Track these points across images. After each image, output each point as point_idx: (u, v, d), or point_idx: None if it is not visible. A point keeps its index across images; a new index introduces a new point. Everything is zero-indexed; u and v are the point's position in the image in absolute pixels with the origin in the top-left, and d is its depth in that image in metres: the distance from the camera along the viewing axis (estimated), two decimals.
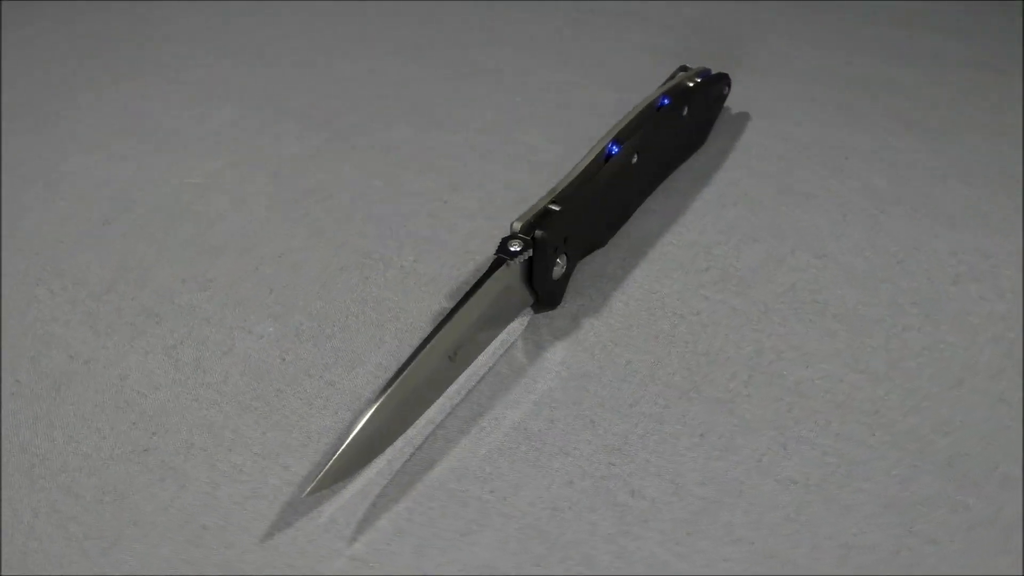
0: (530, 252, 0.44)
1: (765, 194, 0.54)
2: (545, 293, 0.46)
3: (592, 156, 0.48)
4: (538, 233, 0.44)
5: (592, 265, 0.50)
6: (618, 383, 0.44)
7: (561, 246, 0.46)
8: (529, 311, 0.47)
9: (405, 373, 0.39)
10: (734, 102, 0.61)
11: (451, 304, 0.43)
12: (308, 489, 0.37)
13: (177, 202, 0.57)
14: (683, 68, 0.57)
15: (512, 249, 0.43)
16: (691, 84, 0.54)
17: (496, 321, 0.45)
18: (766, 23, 0.73)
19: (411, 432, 0.42)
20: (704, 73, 0.56)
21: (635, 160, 0.49)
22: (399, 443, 0.41)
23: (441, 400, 0.43)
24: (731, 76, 0.58)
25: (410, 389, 0.40)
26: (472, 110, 0.64)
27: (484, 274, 0.43)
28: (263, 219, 0.55)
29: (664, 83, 0.55)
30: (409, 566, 0.37)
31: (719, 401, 0.43)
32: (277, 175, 0.59)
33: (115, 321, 0.48)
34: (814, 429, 0.41)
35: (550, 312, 0.48)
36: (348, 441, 0.38)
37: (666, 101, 0.53)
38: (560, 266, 0.46)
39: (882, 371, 0.44)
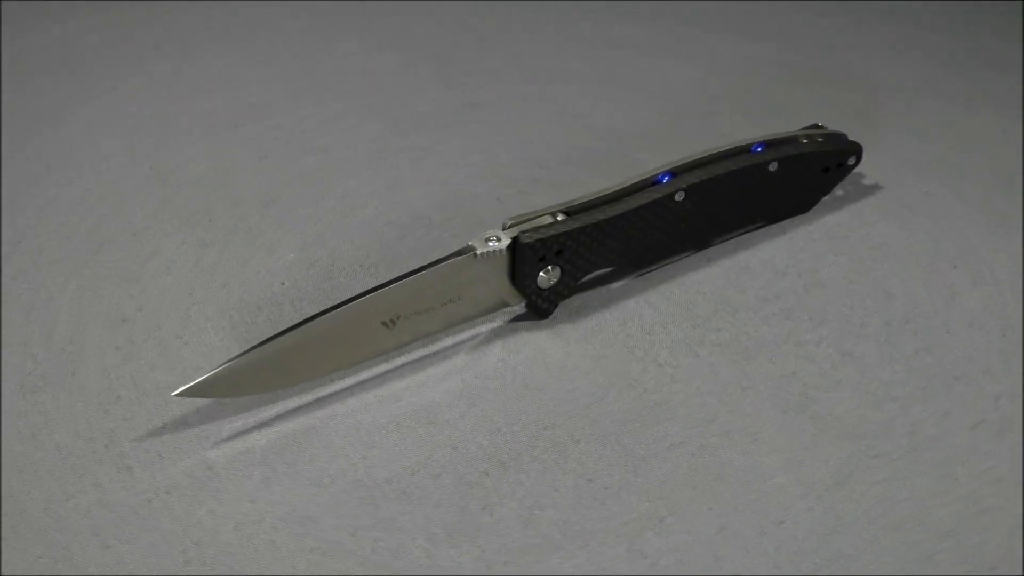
0: (500, 250, 0.43)
1: (833, 277, 0.49)
2: (532, 299, 0.46)
3: (633, 181, 0.47)
4: (521, 236, 0.44)
5: (613, 290, 0.48)
6: (549, 404, 0.43)
7: (552, 256, 0.45)
8: (526, 312, 0.47)
9: (313, 321, 0.41)
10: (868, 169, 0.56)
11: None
12: (180, 390, 0.40)
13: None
14: (816, 126, 0.52)
15: (487, 241, 0.44)
16: (802, 142, 0.50)
17: (464, 310, 0.45)
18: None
19: (333, 383, 0.44)
20: (835, 137, 0.52)
21: (681, 198, 0.47)
22: (315, 389, 0.44)
23: (381, 365, 0.45)
24: (863, 146, 0.53)
25: (318, 337, 0.41)
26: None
27: (443, 257, 0.43)
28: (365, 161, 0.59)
29: (778, 134, 0.51)
30: (245, 490, 0.39)
31: (632, 456, 0.41)
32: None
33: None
34: (697, 516, 0.38)
35: (542, 319, 0.47)
36: (230, 361, 0.40)
37: (758, 149, 0.49)
38: (548, 276, 0.45)
39: (820, 488, 0.39)
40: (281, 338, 0.41)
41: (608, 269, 0.48)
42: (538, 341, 0.46)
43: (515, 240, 0.44)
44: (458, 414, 0.43)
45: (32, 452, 0.41)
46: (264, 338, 0.41)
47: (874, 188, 0.55)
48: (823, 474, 0.39)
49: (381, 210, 0.55)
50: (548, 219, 0.45)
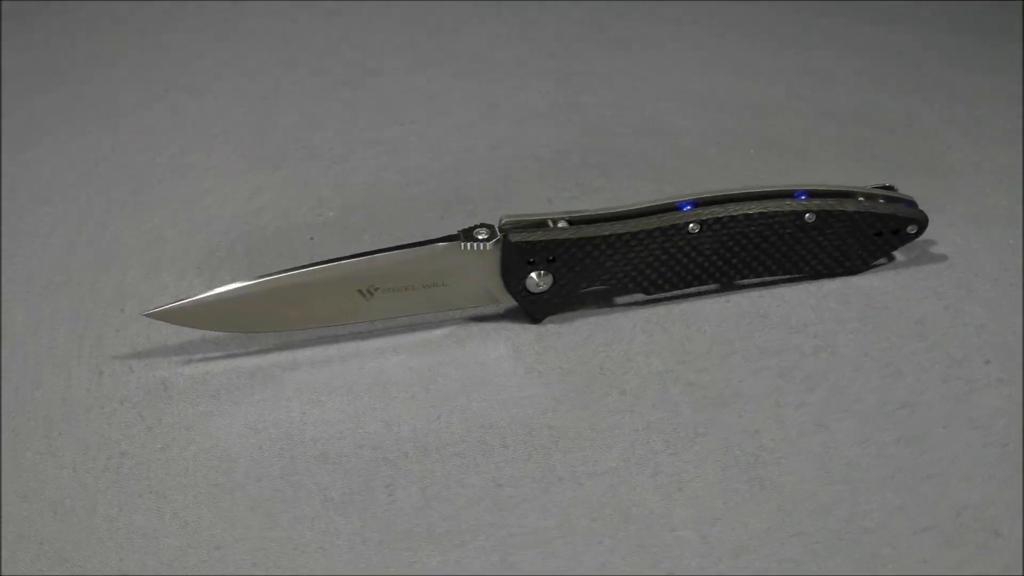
0: (485, 243, 0.44)
1: (848, 346, 0.45)
2: (521, 301, 0.46)
3: (651, 203, 0.45)
4: (510, 234, 0.44)
5: (616, 308, 0.47)
6: (497, 405, 0.43)
7: (543, 262, 0.44)
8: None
9: (288, 273, 0.43)
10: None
11: None
12: (150, 311, 0.43)
13: None
14: (887, 187, 0.49)
15: (476, 234, 0.44)
16: (856, 199, 0.47)
17: (452, 297, 0.46)
18: None
19: (314, 337, 0.46)
20: (899, 202, 0.48)
21: (696, 230, 0.45)
22: (294, 339, 0.46)
23: (360, 329, 0.46)
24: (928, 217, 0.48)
25: (288, 290, 0.43)
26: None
27: (428, 240, 0.44)
28: None
29: (835, 186, 0.48)
30: (186, 416, 0.42)
31: (551, 473, 0.40)
32: None
33: None
34: (585, 548, 0.37)
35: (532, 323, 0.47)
36: (204, 295, 0.43)
37: (801, 196, 0.46)
38: (539, 281, 0.45)
39: (721, 552, 0.37)
40: (252, 284, 0.43)
41: (608, 286, 0.47)
42: (517, 341, 0.46)
43: (504, 238, 0.44)
44: (408, 394, 0.43)
45: (29, 343, 0.46)
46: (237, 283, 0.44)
47: (939, 259, 0.50)
48: (732, 539, 0.37)
49: (431, 189, 0.56)
50: (548, 223, 0.45)
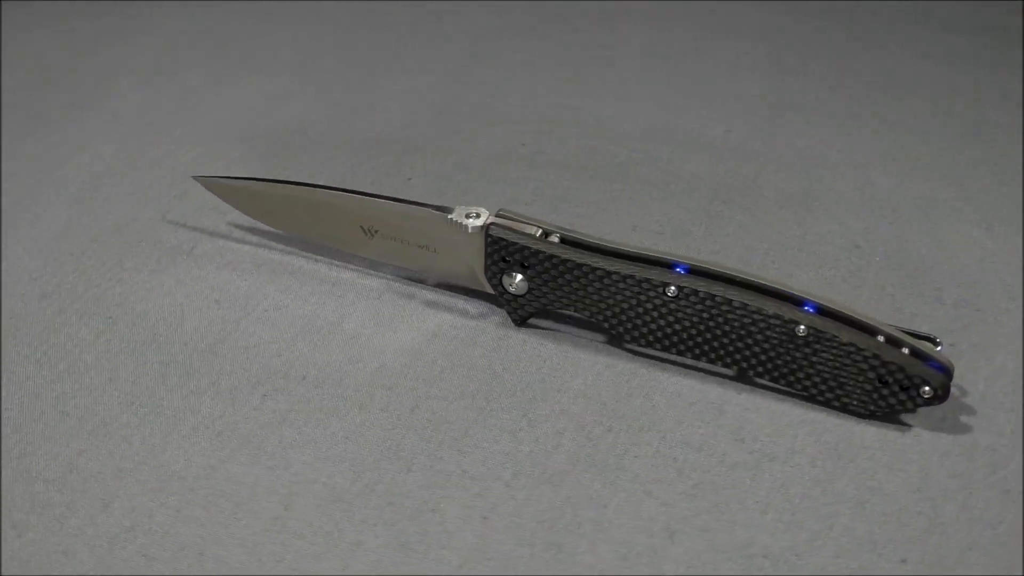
0: (469, 228, 0.45)
1: (769, 484, 0.40)
2: (500, 297, 0.46)
3: (646, 251, 0.43)
4: (491, 228, 0.44)
5: (597, 345, 0.46)
6: (423, 386, 0.44)
7: (516, 265, 0.45)
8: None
9: (299, 186, 0.48)
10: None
11: None
12: (198, 175, 0.51)
13: None
14: (930, 338, 0.42)
15: (468, 215, 0.45)
16: (861, 332, 0.41)
17: (442, 265, 0.48)
18: None
19: (344, 263, 0.51)
20: (921, 357, 0.40)
21: (672, 294, 0.42)
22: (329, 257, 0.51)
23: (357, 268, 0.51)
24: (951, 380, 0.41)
25: (306, 201, 0.48)
26: None
27: (425, 203, 0.46)
28: None
29: (868, 319, 0.42)
30: (181, 277, 0.50)
31: (402, 462, 0.41)
32: None
33: None
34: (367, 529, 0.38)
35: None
36: (238, 178, 0.50)
37: (807, 306, 0.41)
38: (515, 284, 0.45)
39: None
40: (271, 183, 0.49)
41: (584, 316, 0.45)
42: (487, 335, 0.47)
43: (487, 227, 0.45)
44: (342, 336, 0.47)
45: (91, 226, 0.55)
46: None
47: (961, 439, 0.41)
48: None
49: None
50: (536, 232, 0.45)
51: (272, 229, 0.52)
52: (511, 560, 0.37)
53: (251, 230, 0.53)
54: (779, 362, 0.43)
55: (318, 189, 0.48)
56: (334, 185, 0.48)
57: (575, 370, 0.45)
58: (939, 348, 0.42)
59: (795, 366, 0.43)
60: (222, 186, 0.51)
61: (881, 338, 0.41)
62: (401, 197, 0.47)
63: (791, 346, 0.42)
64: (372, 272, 0.50)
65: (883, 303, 0.48)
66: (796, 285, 0.47)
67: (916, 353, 0.41)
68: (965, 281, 0.50)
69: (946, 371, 0.41)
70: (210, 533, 0.38)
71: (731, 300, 0.42)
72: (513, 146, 0.60)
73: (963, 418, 0.43)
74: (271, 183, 0.49)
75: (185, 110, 0.65)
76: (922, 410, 0.43)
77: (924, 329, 0.46)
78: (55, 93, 0.68)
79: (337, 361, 0.45)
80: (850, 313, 0.42)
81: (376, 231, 0.48)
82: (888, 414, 0.43)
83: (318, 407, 0.43)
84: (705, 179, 0.57)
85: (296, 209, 0.49)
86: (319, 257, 0.51)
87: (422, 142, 0.61)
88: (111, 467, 0.40)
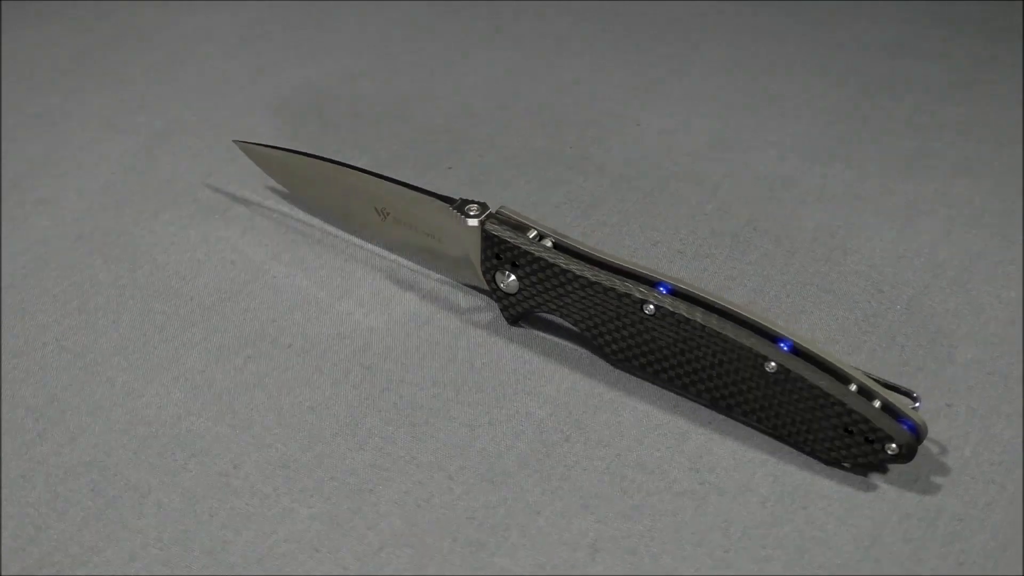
0: (468, 221, 0.45)
1: (712, 517, 0.39)
2: (494, 293, 0.47)
3: (634, 266, 0.43)
4: (488, 221, 0.45)
5: (574, 353, 0.46)
6: (402, 371, 0.45)
7: (507, 264, 0.45)
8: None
9: (321, 160, 0.50)
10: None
11: None
12: (239, 140, 0.54)
13: None
14: (908, 392, 0.40)
15: (469, 205, 0.46)
16: (833, 378, 0.39)
17: (446, 255, 0.48)
18: None
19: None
20: (903, 419, 0.39)
21: (650, 312, 0.42)
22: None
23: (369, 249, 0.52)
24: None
25: (320, 174, 0.50)
26: None
27: (433, 192, 0.47)
28: None
29: (844, 365, 0.40)
30: (208, 236, 0.52)
31: (406, 435, 0.42)
32: None
33: None
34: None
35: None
36: (282, 150, 0.52)
37: (781, 344, 0.40)
38: (506, 282, 0.46)
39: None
40: (306, 157, 0.51)
41: (571, 324, 0.45)
42: (474, 331, 0.48)
43: (483, 222, 0.45)
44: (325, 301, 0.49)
45: (140, 179, 0.58)
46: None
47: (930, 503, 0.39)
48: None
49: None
50: (530, 232, 0.45)
51: (302, 200, 0.54)
52: (429, 550, 0.38)
53: (285, 199, 0.55)
54: (749, 396, 0.42)
55: (337, 166, 0.49)
56: (363, 167, 0.50)
57: (551, 376, 0.45)
58: (916, 406, 0.40)
59: (765, 403, 0.42)
60: (259, 153, 0.53)
61: (853, 387, 0.40)
62: (412, 184, 0.48)
63: (761, 382, 0.41)
64: (384, 255, 0.51)
65: (889, 353, 0.46)
66: (804, 323, 0.46)
67: (887, 408, 0.39)
68: (985, 342, 0.47)
69: (916, 431, 0.39)
70: (157, 479, 0.40)
71: (704, 326, 0.41)
72: (560, 147, 0.60)
73: (936, 480, 0.41)
74: (299, 155, 0.51)
75: (254, 84, 0.68)
76: (895, 467, 0.41)
77: (924, 387, 0.44)
78: (143, 52, 0.72)
79: (326, 335, 0.47)
80: (826, 357, 0.40)
81: (388, 213, 0.49)
82: (856, 466, 0.41)
83: (294, 376, 0.45)
84: (744, 202, 0.56)
85: (320, 183, 0.51)
86: (339, 234, 0.53)
87: (473, 133, 0.61)
88: (89, 404, 0.43)
